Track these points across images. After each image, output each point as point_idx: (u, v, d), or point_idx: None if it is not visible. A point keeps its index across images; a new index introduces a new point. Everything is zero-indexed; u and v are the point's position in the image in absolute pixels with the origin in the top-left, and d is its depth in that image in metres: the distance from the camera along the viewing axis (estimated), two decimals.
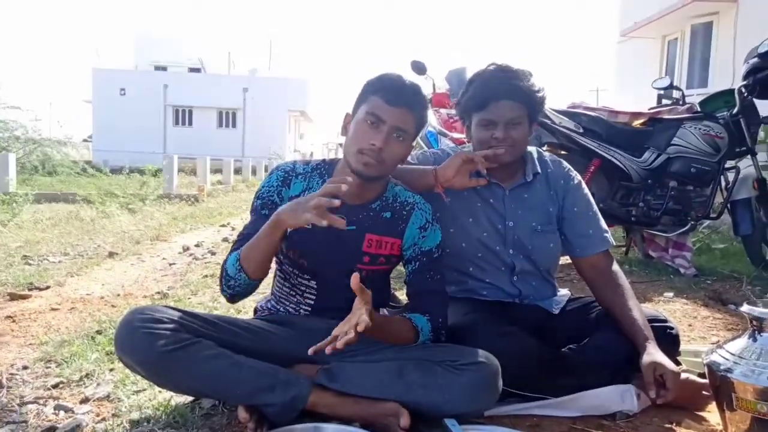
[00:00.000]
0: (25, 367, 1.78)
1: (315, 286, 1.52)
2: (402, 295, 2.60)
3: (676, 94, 3.83)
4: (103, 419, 1.43)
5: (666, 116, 3.49)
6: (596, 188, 3.43)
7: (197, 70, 27.34)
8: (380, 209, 1.49)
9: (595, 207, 1.76)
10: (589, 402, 1.48)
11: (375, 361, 1.40)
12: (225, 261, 1.42)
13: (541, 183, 1.74)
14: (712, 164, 3.37)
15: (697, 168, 3.35)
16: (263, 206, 1.47)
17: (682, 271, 3.44)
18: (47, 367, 1.79)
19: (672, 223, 3.47)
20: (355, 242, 1.47)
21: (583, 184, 1.79)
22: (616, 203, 3.50)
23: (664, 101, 3.95)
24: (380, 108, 1.39)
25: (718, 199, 3.54)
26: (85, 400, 1.53)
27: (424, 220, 1.51)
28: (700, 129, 3.34)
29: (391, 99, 1.39)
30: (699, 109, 3.48)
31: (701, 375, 1.54)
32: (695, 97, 4.37)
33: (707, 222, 4.25)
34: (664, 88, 3.76)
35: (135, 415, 1.43)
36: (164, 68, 27.02)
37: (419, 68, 4.11)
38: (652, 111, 3.64)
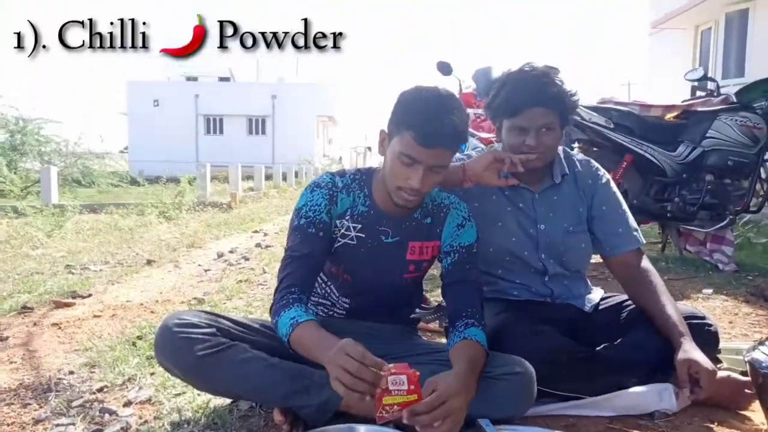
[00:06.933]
0: (71, 372, 1.85)
1: (351, 294, 1.52)
2: (431, 297, 2.61)
3: (710, 85, 3.73)
4: (146, 422, 1.48)
5: (700, 108, 3.41)
6: (629, 184, 3.38)
7: (227, 80, 27.84)
8: (422, 217, 1.49)
9: (625, 205, 1.74)
10: (626, 401, 1.46)
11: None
12: (277, 312, 1.30)
13: (569, 184, 1.72)
14: (750, 156, 3.27)
15: (735, 160, 3.26)
16: (310, 225, 1.39)
17: (720, 266, 3.35)
18: (92, 372, 1.85)
19: (709, 217, 3.38)
20: (400, 253, 1.48)
21: (612, 183, 1.76)
22: (651, 199, 3.43)
23: (698, 93, 3.86)
24: (413, 149, 1.29)
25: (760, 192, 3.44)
26: (128, 404, 1.59)
27: (460, 218, 1.50)
28: (736, 120, 3.26)
29: (425, 141, 1.28)
30: (735, 100, 3.38)
31: (743, 373, 1.50)
32: (731, 87, 4.25)
33: (747, 216, 4.13)
34: (698, 80, 3.67)
35: (175, 417, 1.48)
36: (195, 78, 27.59)
37: (445, 69, 4.11)
38: (685, 104, 3.56)
